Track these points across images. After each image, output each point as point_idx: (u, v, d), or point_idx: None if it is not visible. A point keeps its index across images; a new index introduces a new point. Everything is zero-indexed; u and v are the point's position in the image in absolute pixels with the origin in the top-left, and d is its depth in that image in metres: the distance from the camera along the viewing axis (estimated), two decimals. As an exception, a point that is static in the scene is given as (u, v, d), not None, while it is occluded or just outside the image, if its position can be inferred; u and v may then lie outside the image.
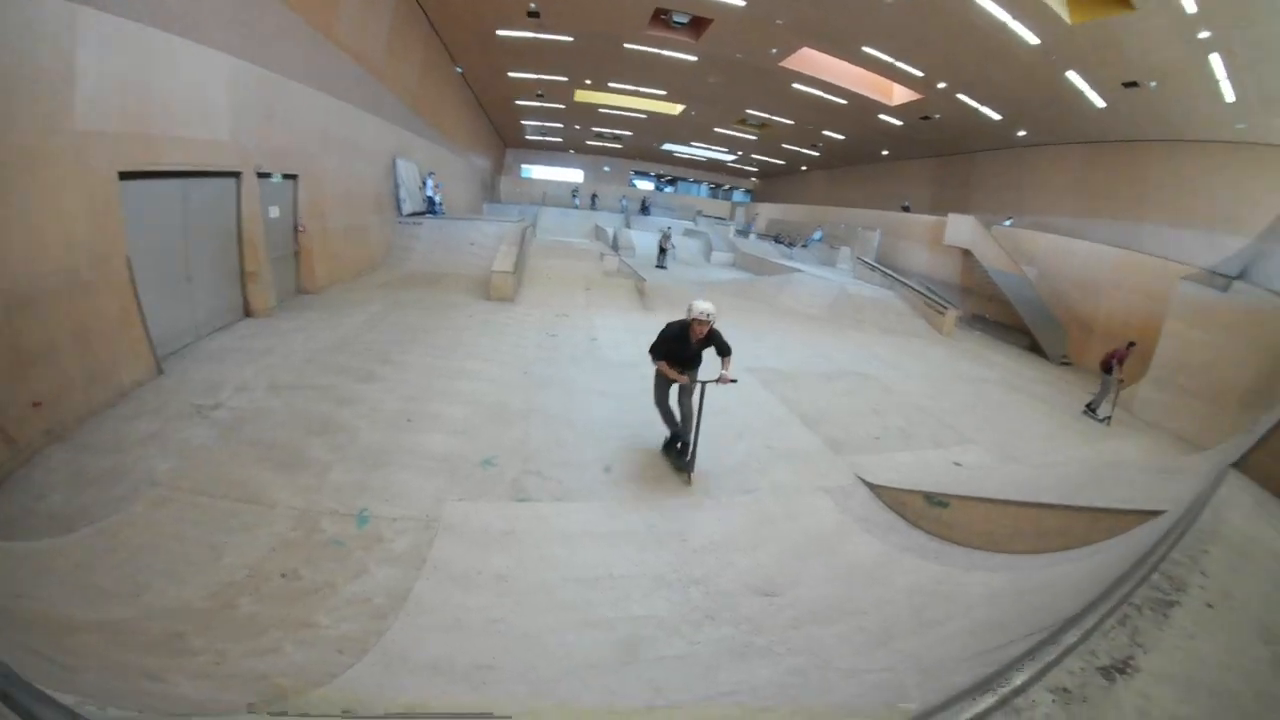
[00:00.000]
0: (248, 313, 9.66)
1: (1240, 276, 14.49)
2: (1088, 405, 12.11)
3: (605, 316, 12.76)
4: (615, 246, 25.94)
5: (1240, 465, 3.34)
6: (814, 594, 4.15)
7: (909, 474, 6.46)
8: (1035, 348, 19.74)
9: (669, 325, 6.02)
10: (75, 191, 6.08)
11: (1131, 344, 12.48)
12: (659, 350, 5.97)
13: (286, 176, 11.18)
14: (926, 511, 5.35)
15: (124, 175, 6.78)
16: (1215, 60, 14.72)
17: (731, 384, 5.94)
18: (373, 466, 5.27)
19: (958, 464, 7.45)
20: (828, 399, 9.06)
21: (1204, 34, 13.80)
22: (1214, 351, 12.84)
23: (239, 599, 3.42)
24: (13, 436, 4.89)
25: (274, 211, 10.72)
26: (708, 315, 5.81)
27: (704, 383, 5.90)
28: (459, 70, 26.07)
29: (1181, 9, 13.11)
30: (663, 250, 25.55)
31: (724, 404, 7.38)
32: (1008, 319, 21.31)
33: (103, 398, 5.97)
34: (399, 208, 17.44)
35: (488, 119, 38.20)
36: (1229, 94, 16.05)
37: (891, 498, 5.81)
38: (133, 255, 6.75)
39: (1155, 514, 3.51)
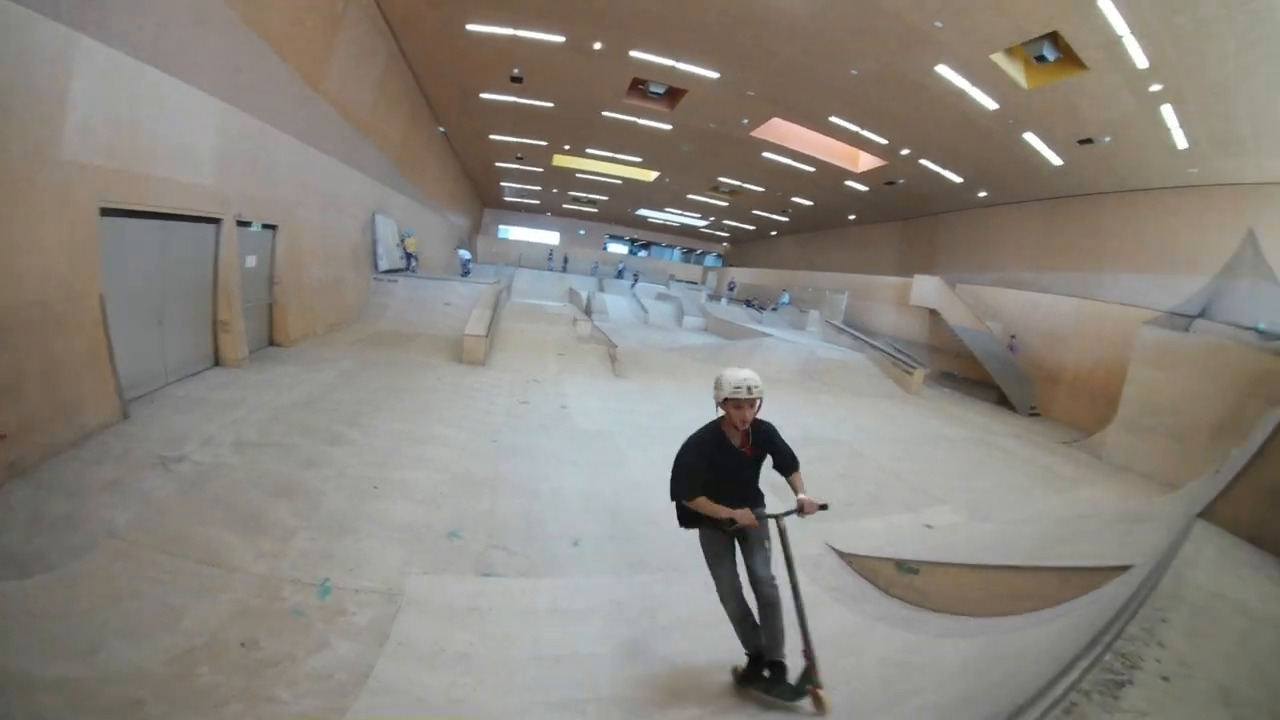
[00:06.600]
0: (218, 362, 9.60)
1: (1201, 315, 15.75)
2: None
3: (577, 383, 12.79)
4: (589, 310, 26.19)
5: (1206, 514, 3.40)
6: (784, 668, 4.12)
7: (881, 540, 6.47)
8: (1004, 401, 20.41)
9: (690, 439, 3.87)
10: (56, 223, 6.11)
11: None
12: (685, 478, 3.75)
13: (266, 226, 11.24)
14: (898, 579, 5.32)
15: (105, 211, 6.81)
16: (1167, 110, 15.33)
17: (822, 510, 3.77)
18: (337, 534, 5.19)
19: (929, 526, 7.49)
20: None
21: (1156, 87, 14.40)
22: (1180, 390, 13.35)
23: (198, 667, 3.35)
24: (-25, 467, 4.83)
25: (251, 261, 10.74)
26: (753, 388, 3.71)
27: (777, 516, 3.83)
28: (442, 130, 26.55)
29: (1133, 65, 13.70)
30: None
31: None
32: (975, 374, 22.07)
33: (66, 437, 5.90)
34: (375, 264, 17.57)
35: (468, 179, 38.76)
36: (1181, 141, 16.67)
37: (862, 566, 5.75)
38: (107, 294, 6.74)
39: (1124, 569, 3.56)
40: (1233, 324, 14.88)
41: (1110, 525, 5.74)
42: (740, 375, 3.75)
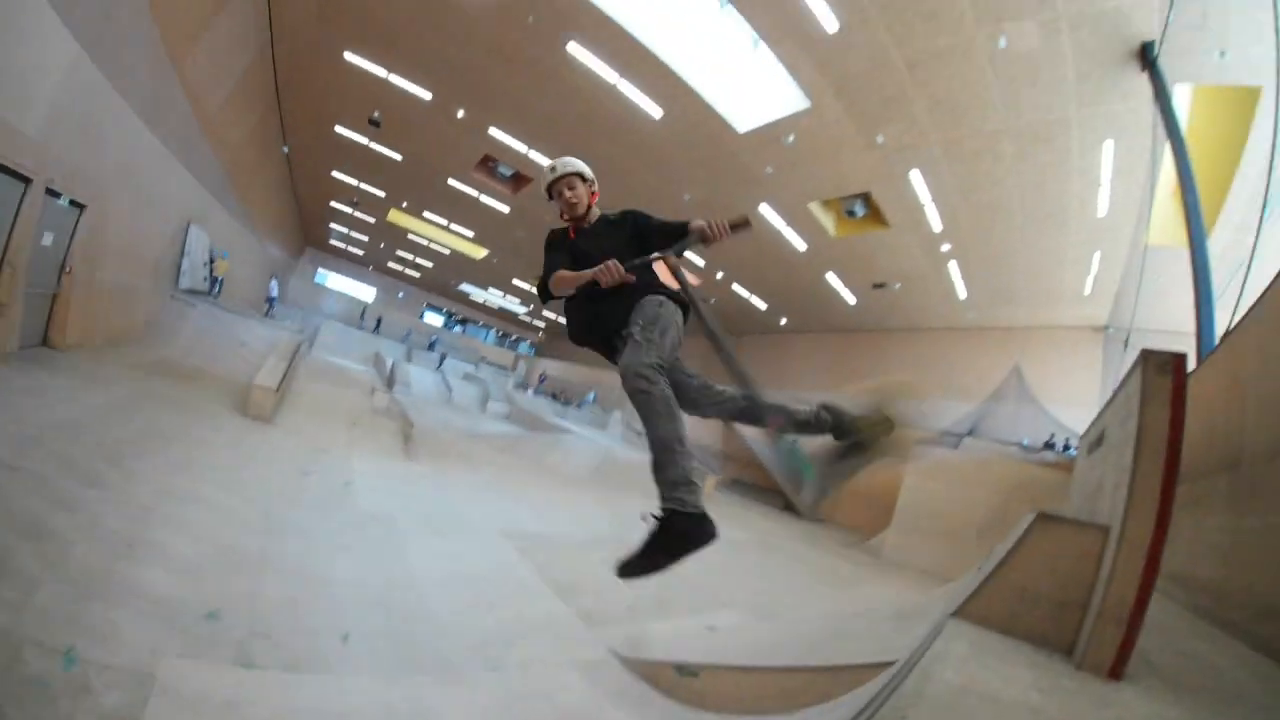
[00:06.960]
0: (-19, 352, 7.95)
1: (970, 434, 18.87)
2: None
3: (366, 459, 12.22)
4: (391, 380, 25.42)
5: (960, 612, 3.48)
6: (561, 777, 4.00)
7: (663, 643, 6.58)
8: (790, 507, 22.35)
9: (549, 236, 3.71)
10: None
11: None
12: (543, 269, 3.58)
13: (74, 203, 9.87)
14: (678, 682, 5.40)
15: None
16: (953, 266, 18.87)
17: (741, 230, 3.35)
18: (85, 595, 4.58)
19: (711, 628, 7.66)
20: (584, 567, 8.82)
21: (946, 247, 17.76)
22: (949, 497, 15.51)
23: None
24: None
25: (48, 239, 9.36)
26: (556, 166, 3.47)
27: (663, 255, 3.38)
28: (285, 150, 25.37)
29: (929, 227, 16.81)
30: None
31: (476, 572, 7.44)
32: (764, 482, 23.85)
33: None
34: (177, 279, 16.02)
35: (297, 210, 36.95)
36: (962, 292, 20.50)
37: (643, 670, 5.79)
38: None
39: (888, 665, 3.71)
40: (998, 440, 18.21)
41: (884, 622, 6.11)
42: (556, 160, 3.45)
